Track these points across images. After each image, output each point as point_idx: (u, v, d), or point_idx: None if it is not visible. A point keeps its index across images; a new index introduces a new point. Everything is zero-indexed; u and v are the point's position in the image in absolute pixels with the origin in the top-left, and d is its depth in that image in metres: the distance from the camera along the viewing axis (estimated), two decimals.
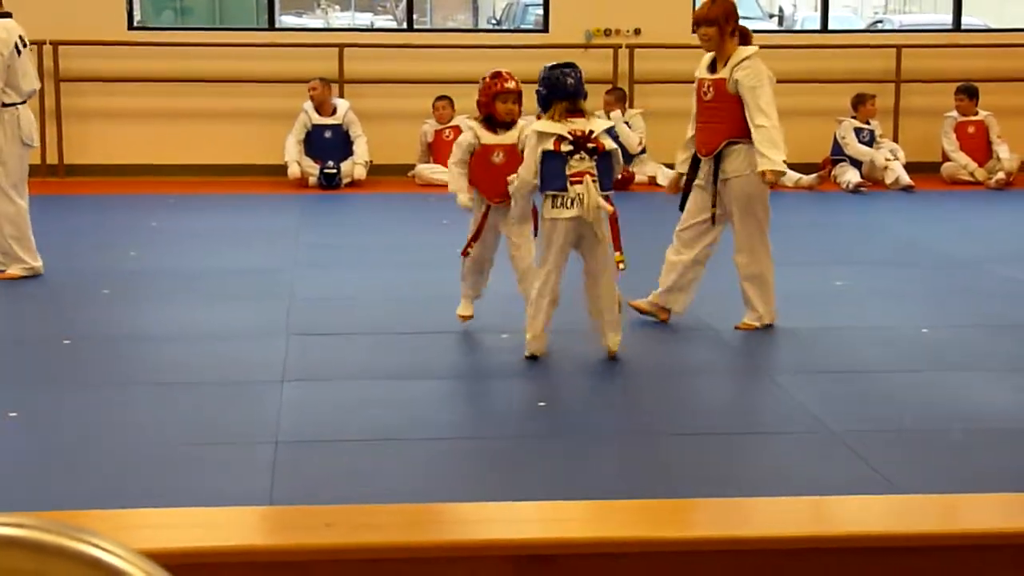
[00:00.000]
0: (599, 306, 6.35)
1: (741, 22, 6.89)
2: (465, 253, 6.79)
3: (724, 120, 6.80)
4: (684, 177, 7.06)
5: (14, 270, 8.14)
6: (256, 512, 2.86)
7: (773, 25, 18.62)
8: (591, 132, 6.19)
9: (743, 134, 6.75)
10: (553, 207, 6.18)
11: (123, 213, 10.57)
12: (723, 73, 6.77)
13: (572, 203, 6.12)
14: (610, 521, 2.32)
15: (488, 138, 6.66)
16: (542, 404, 5.92)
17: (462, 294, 6.89)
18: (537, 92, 6.35)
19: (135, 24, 12.67)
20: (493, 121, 6.67)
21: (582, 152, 6.16)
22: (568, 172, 6.14)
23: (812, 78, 12.67)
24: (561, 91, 6.23)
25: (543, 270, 6.31)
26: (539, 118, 6.39)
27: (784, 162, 6.80)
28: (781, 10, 20.15)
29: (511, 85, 6.64)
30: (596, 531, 2.21)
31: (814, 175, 12.17)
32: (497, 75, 6.64)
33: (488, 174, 6.65)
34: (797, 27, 18.47)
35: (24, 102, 8.23)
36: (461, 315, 6.86)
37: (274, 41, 12.58)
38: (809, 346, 6.78)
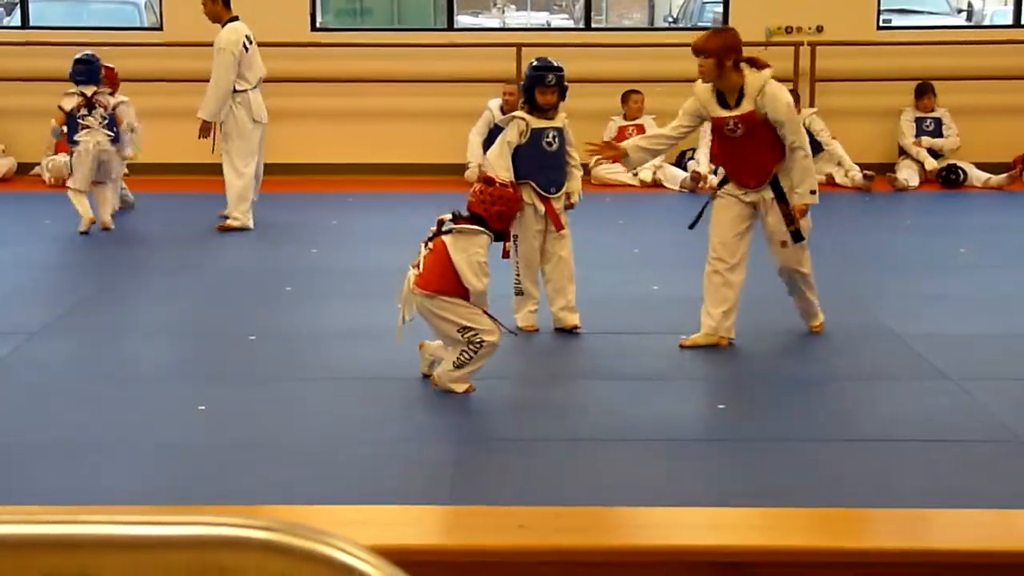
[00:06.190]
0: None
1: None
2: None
3: (765, 148, 6.65)
4: None
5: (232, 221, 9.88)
6: (450, 511, 2.88)
7: (961, 20, 18.09)
8: None
9: (783, 154, 6.67)
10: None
11: (305, 211, 10.78)
12: (748, 106, 6.58)
13: None
14: (789, 530, 2.27)
15: None
16: (721, 407, 5.86)
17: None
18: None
19: (317, 26, 12.92)
20: (488, 227, 6.03)
21: None
22: None
23: (1003, 75, 12.28)
24: None
25: None
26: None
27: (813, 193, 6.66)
28: (970, 5, 19.54)
29: None
30: (777, 540, 2.17)
31: (1004, 175, 11.80)
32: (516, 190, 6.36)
33: None
34: (986, 22, 17.92)
35: (255, 88, 9.91)
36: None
37: (452, 41, 12.69)
38: (996, 352, 6.56)
